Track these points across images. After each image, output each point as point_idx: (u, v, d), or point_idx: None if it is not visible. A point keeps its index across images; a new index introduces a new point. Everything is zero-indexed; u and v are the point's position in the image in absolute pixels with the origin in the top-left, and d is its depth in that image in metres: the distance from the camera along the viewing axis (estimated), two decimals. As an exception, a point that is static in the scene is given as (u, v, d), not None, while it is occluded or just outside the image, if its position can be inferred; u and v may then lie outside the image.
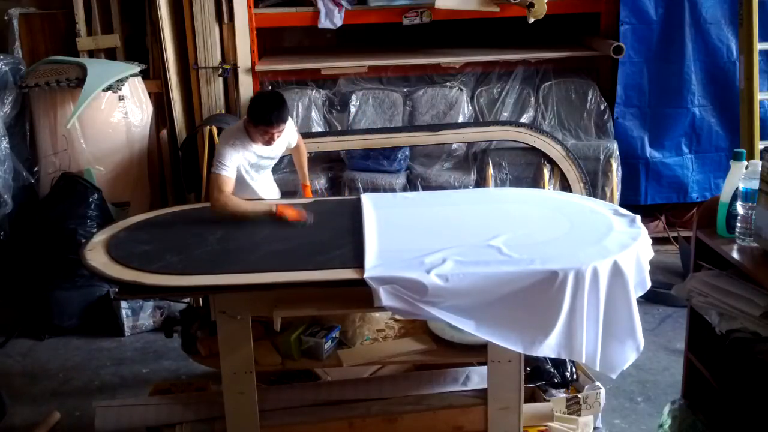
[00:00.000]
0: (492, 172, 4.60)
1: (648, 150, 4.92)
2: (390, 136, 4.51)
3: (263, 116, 3.14)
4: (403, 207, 3.12)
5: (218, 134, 4.69)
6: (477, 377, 2.90)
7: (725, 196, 2.42)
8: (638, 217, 2.79)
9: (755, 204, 2.26)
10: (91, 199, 4.28)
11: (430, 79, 5.06)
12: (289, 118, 3.43)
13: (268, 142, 3.22)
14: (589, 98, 4.88)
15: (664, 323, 4.10)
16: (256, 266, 2.54)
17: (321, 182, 4.63)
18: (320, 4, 4.88)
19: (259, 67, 4.94)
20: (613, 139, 4.76)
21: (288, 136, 3.45)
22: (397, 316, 2.83)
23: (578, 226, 2.75)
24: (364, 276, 2.38)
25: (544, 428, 2.91)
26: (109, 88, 4.44)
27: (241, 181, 3.27)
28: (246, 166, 3.30)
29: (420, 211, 3.06)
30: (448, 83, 4.96)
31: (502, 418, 2.67)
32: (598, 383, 3.09)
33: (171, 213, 3.24)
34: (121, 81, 4.53)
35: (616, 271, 2.41)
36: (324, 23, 4.91)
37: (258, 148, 3.28)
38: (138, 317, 4.19)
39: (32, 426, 3.28)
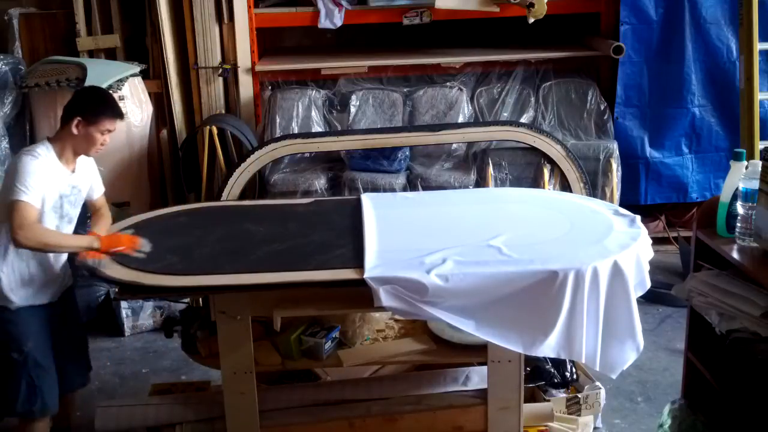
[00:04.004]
0: (492, 172, 4.60)
1: (648, 150, 4.93)
2: (390, 136, 4.51)
3: (108, 106, 2.74)
4: (403, 207, 3.12)
5: (218, 134, 4.71)
6: (477, 377, 2.90)
7: (725, 196, 2.42)
8: (638, 217, 2.79)
9: (755, 204, 2.26)
10: (91, 199, 4.28)
11: (430, 79, 5.06)
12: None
13: (102, 144, 2.75)
14: (589, 98, 4.88)
15: (664, 323, 4.10)
16: (256, 266, 2.54)
17: (321, 182, 4.63)
18: (320, 4, 4.89)
19: (259, 67, 4.95)
20: (613, 139, 4.76)
21: (93, 170, 2.95)
22: (397, 316, 2.83)
23: (578, 226, 2.75)
24: (364, 276, 2.38)
25: (544, 428, 2.92)
26: (109, 88, 4.43)
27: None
28: (53, 199, 2.70)
29: (420, 211, 3.06)
30: (448, 83, 4.96)
31: (502, 418, 2.67)
32: (598, 383, 3.09)
33: (171, 213, 3.24)
34: (121, 81, 4.53)
35: (616, 271, 2.40)
36: (324, 23, 4.92)
37: (67, 176, 2.75)
38: (138, 317, 4.20)
39: (32, 426, 3.28)
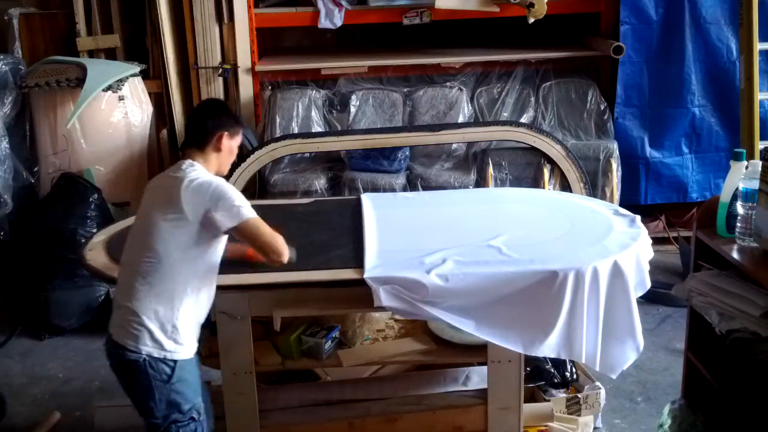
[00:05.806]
0: (492, 172, 4.60)
1: (648, 150, 4.92)
2: (390, 136, 4.51)
3: (239, 119, 2.66)
4: (403, 207, 3.12)
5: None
6: (477, 377, 2.90)
7: (725, 196, 2.42)
8: (638, 217, 2.79)
9: (755, 204, 2.26)
10: (91, 199, 4.28)
11: (430, 79, 5.06)
12: None
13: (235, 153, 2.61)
14: (589, 98, 4.88)
15: (664, 323, 4.10)
16: (256, 266, 2.54)
17: (321, 182, 4.63)
18: (320, 4, 4.89)
19: (259, 67, 4.95)
20: (613, 139, 4.76)
21: None
22: (397, 316, 2.83)
23: (578, 226, 2.75)
24: (364, 276, 2.38)
25: (544, 428, 2.92)
26: (109, 88, 4.44)
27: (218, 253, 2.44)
28: None
29: (420, 211, 3.06)
30: (448, 83, 4.95)
31: (502, 418, 2.67)
32: (598, 383, 3.09)
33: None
34: (121, 81, 4.53)
35: (616, 271, 2.41)
36: (324, 23, 4.92)
37: None
38: (138, 317, 4.19)
39: (32, 426, 3.28)
